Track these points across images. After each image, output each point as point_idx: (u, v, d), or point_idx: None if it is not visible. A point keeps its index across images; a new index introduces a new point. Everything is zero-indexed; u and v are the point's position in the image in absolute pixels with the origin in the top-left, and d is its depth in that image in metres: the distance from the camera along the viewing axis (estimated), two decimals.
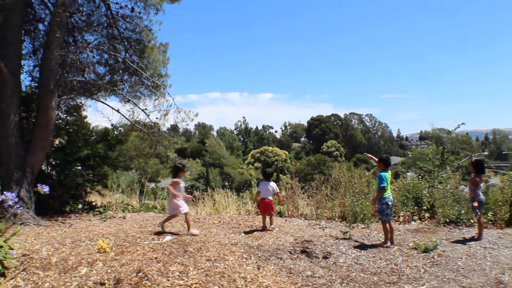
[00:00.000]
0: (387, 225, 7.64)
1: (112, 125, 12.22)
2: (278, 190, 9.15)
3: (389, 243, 7.56)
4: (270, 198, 8.91)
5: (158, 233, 7.99)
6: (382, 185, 7.55)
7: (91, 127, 12.65)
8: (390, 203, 7.66)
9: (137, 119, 12.47)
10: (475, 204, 7.92)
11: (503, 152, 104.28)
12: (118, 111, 11.82)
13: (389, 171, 7.85)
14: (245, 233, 8.53)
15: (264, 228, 8.82)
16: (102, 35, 12.10)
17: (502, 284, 5.41)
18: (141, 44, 12.32)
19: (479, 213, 8.05)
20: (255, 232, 8.51)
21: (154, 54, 12.43)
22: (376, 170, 10.10)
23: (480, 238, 7.91)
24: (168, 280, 4.87)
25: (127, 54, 12.14)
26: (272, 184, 9.04)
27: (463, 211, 9.54)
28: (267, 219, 9.03)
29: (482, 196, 8.13)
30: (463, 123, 12.19)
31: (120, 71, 12.43)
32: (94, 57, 12.07)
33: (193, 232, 8.11)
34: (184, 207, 8.21)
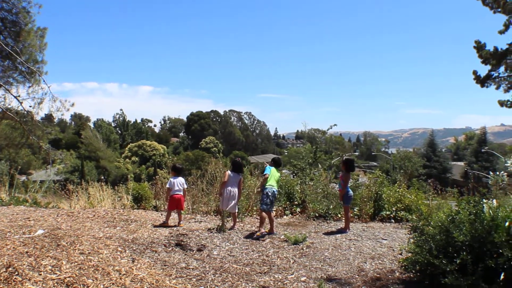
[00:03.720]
0: (264, 213, 8.16)
1: None
2: (186, 186, 9.41)
3: (263, 230, 8.07)
4: (181, 193, 9.09)
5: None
6: (264, 172, 8.25)
7: None
8: (270, 194, 8.18)
9: (9, 106, 11.86)
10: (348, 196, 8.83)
11: (373, 153, 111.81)
12: None
13: (277, 169, 8.60)
14: (156, 227, 8.67)
15: (166, 225, 8.85)
16: None
17: (363, 272, 5.98)
18: (17, 27, 11.69)
19: (349, 206, 8.92)
20: (131, 226, 8.55)
21: (31, 38, 11.87)
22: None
23: (346, 231, 8.65)
24: (40, 274, 4.80)
25: (1, 35, 11.46)
26: (182, 180, 9.22)
27: (331, 206, 10.27)
28: (172, 215, 9.27)
29: (351, 192, 8.99)
30: (335, 125, 13.11)
31: None
32: None
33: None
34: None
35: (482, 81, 11.97)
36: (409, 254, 5.56)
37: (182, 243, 7.28)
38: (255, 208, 10.56)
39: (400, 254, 6.57)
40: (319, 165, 13.31)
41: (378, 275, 5.79)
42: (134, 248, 6.73)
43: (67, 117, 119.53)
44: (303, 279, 5.66)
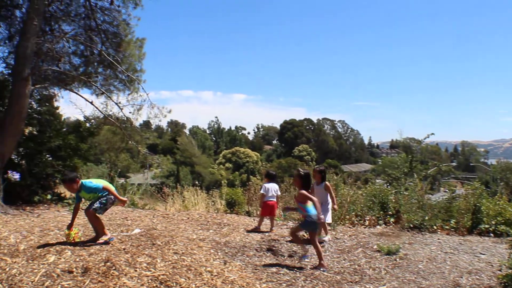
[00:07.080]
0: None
1: (84, 116, 12.17)
2: (279, 193, 9.30)
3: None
4: (275, 200, 8.97)
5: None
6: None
7: (62, 118, 12.57)
8: None
9: (110, 112, 12.42)
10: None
11: (471, 164, 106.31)
12: (92, 103, 11.77)
13: None
14: (248, 231, 8.63)
15: (258, 230, 8.81)
16: (79, 25, 12.01)
17: (459, 286, 5.60)
18: (118, 38, 12.26)
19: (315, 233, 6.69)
20: (224, 229, 8.62)
21: (130, 49, 12.40)
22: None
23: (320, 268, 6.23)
24: (136, 270, 4.95)
25: (103, 46, 12.06)
26: (276, 186, 9.11)
27: (426, 217, 9.76)
28: (264, 221, 9.20)
29: (313, 215, 6.41)
30: (432, 134, 12.45)
31: (95, 63, 12.37)
32: (70, 47, 12.01)
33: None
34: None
35: None
36: (509, 271, 5.14)
37: (274, 248, 7.22)
38: (347, 216, 10.30)
39: (500, 270, 6.06)
40: (415, 175, 12.73)
41: None
42: (226, 251, 6.78)
43: (164, 124, 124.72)
44: None
